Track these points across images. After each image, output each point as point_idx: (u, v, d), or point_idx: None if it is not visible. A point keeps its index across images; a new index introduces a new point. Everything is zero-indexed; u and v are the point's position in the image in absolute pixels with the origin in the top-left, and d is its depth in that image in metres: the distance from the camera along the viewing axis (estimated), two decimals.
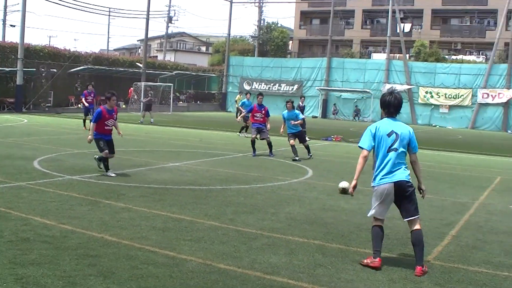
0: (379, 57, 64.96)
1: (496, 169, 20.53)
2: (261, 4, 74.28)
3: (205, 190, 12.86)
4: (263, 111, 20.70)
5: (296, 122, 19.95)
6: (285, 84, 63.65)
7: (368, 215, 7.92)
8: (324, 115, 60.80)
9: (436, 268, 7.66)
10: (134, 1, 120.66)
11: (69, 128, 29.24)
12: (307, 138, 20.99)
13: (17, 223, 8.81)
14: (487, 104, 54.49)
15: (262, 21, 74.11)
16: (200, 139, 25.80)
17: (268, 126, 20.63)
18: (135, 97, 51.95)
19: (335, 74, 61.67)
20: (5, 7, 65.29)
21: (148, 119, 36.68)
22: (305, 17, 79.72)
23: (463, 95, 55.28)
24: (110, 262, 7.12)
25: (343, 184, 13.07)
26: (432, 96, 56.47)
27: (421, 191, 7.94)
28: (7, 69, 42.61)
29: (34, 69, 44.54)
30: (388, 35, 59.89)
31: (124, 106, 50.93)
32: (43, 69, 45.62)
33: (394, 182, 7.58)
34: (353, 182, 7.85)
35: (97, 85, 50.96)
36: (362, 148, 7.81)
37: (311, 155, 20.17)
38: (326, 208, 11.41)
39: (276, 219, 10.16)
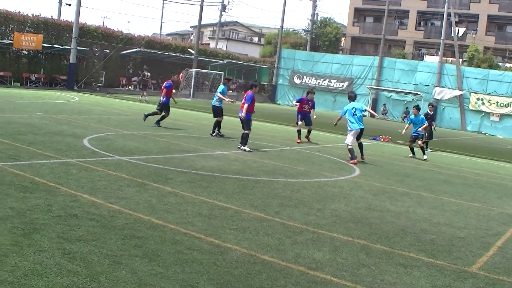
0: (432, 60, 64.01)
1: None
2: None
3: (252, 180, 12.88)
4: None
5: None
6: (335, 80, 63.28)
7: (345, 142, 18.46)
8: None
9: (481, 278, 7.53)
10: None
11: (119, 109, 29.58)
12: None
13: (66, 199, 8.97)
14: None
15: (315, 16, 73.78)
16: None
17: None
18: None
19: (386, 73, 61.08)
20: None
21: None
22: (359, 14, 79.20)
23: None
24: (156, 245, 7.19)
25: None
26: (483, 103, 55.48)
27: (374, 116, 24.02)
28: (61, 47, 43.31)
29: (88, 49, 45.19)
30: (441, 38, 59.10)
31: (174, 91, 51.09)
32: (96, 49, 46.21)
33: (360, 128, 18.28)
34: (335, 120, 19.78)
35: (149, 69, 51.78)
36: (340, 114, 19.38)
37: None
38: (371, 208, 11.33)
39: (321, 215, 10.14)
